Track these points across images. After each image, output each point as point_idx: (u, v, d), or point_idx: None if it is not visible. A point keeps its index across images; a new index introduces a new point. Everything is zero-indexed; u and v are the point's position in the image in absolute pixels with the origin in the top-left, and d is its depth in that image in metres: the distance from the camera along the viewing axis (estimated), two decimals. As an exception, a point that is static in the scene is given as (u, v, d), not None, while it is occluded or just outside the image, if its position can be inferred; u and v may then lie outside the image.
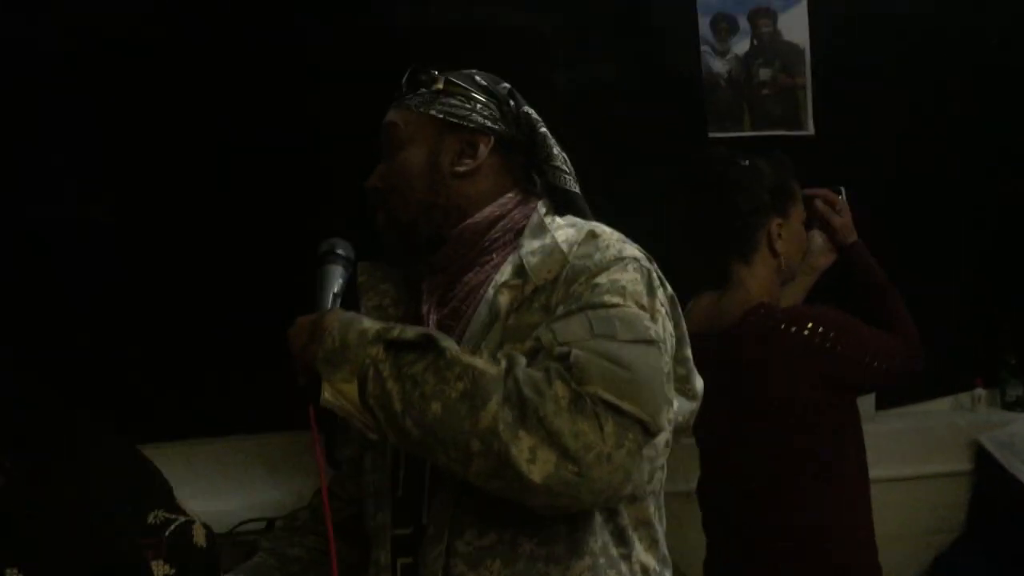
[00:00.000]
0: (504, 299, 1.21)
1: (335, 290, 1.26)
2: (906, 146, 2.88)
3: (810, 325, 1.78)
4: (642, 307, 1.14)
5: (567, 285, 1.18)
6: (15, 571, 0.68)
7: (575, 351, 1.05)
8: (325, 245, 1.31)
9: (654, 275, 1.21)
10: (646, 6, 2.77)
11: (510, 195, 1.33)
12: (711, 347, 1.88)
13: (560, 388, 1.02)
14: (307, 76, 2.44)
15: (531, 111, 1.38)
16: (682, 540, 2.39)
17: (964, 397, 3.09)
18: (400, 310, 1.34)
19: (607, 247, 1.21)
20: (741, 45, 2.84)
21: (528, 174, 1.39)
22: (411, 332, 1.11)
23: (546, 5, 2.63)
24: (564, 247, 1.23)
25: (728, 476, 1.94)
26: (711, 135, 2.80)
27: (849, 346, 1.80)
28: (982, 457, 2.87)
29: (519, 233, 1.29)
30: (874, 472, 1.95)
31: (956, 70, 2.90)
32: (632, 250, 1.22)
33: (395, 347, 1.09)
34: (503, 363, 1.07)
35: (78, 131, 2.39)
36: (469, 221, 1.30)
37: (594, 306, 1.12)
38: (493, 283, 1.24)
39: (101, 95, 2.39)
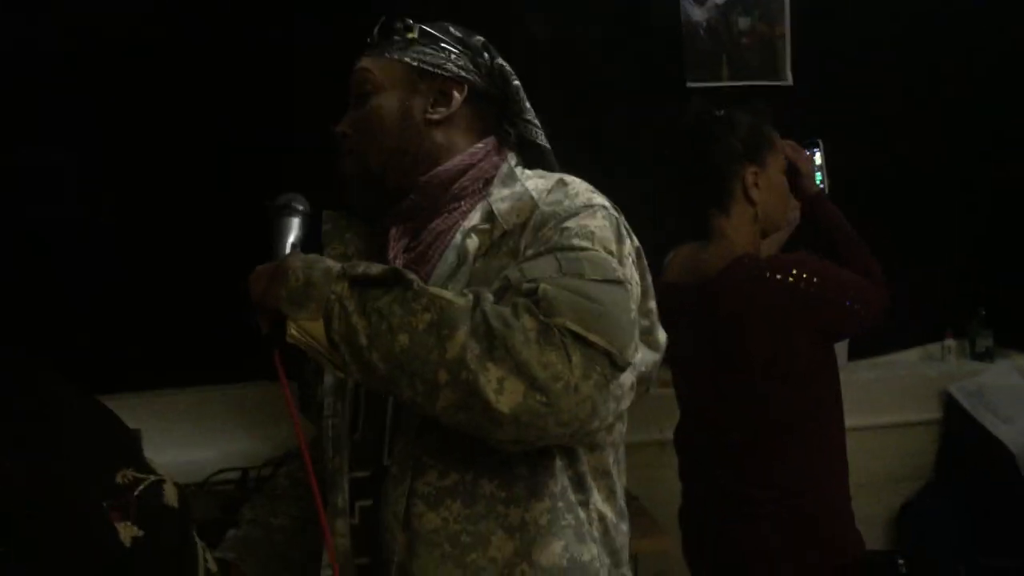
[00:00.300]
0: (472, 243, 1.21)
1: (292, 240, 1.24)
2: (884, 96, 2.88)
3: (794, 271, 1.78)
4: (610, 252, 1.14)
5: (536, 230, 1.18)
6: None
7: (543, 285, 1.05)
8: (282, 199, 1.27)
9: (622, 224, 1.22)
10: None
11: (480, 145, 1.31)
12: (691, 298, 1.88)
13: (528, 320, 1.02)
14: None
15: (505, 64, 1.36)
16: (655, 489, 2.44)
17: (934, 348, 3.14)
18: (364, 259, 1.33)
19: (576, 195, 1.21)
20: (720, -7, 2.81)
21: (500, 126, 1.37)
22: (376, 268, 1.10)
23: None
24: (534, 194, 1.23)
25: (707, 425, 1.95)
26: (689, 84, 2.78)
27: (833, 290, 1.81)
28: (951, 406, 2.93)
29: (488, 182, 1.29)
30: (846, 421, 1.97)
31: (936, 20, 2.89)
32: (601, 199, 1.23)
33: (360, 283, 1.08)
34: (470, 296, 1.07)
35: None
36: (439, 169, 1.29)
37: (563, 248, 1.12)
38: (461, 229, 1.24)
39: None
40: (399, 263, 1.26)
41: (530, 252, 1.15)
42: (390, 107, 1.29)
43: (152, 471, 0.81)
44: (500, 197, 1.24)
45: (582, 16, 2.69)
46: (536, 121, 1.37)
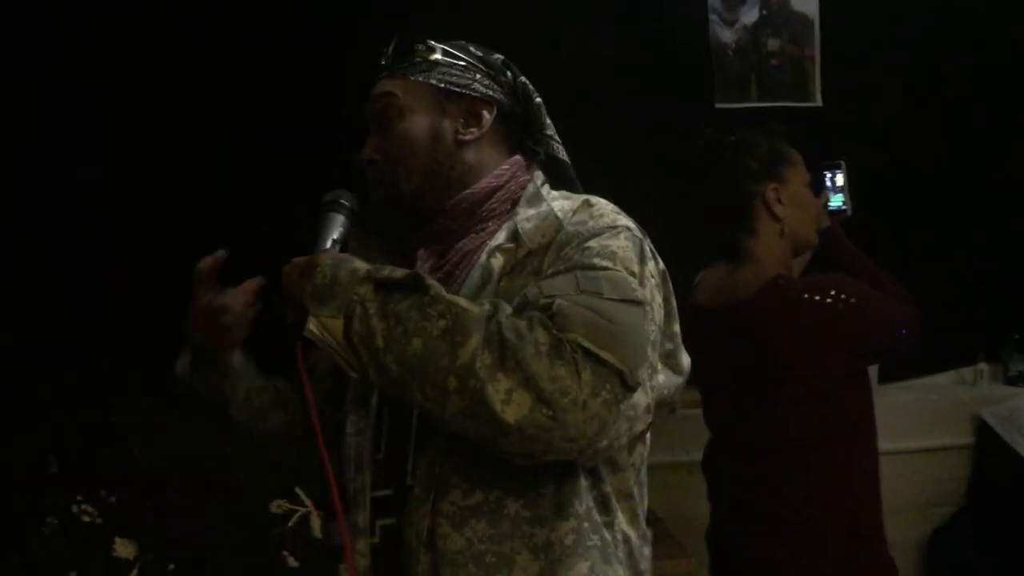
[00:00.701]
0: (497, 262, 1.21)
1: (335, 236, 1.27)
2: (914, 118, 2.86)
3: (833, 292, 1.78)
4: (631, 273, 1.14)
5: (559, 249, 1.18)
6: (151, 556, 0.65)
7: (559, 300, 1.06)
8: (330, 195, 1.30)
9: (646, 246, 1.22)
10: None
11: (506, 166, 1.31)
12: (723, 320, 1.87)
13: (541, 334, 1.03)
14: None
15: (527, 81, 1.36)
16: (682, 511, 2.42)
17: (967, 372, 3.10)
18: None
19: (601, 215, 1.21)
20: (750, 15, 2.82)
21: (524, 143, 1.37)
22: (400, 272, 1.12)
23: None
24: (559, 214, 1.24)
25: (738, 446, 1.94)
26: (718, 105, 2.79)
27: (870, 311, 1.80)
28: (983, 431, 2.88)
29: (515, 202, 1.29)
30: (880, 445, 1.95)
31: (968, 43, 2.87)
32: (626, 220, 1.23)
33: (384, 286, 1.09)
34: (487, 306, 1.08)
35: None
36: (468, 191, 1.28)
37: (583, 267, 1.12)
38: (487, 248, 1.25)
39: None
40: None
41: (551, 270, 1.15)
42: (420, 130, 1.28)
43: (302, 502, 0.80)
44: (526, 217, 1.25)
45: (612, 37, 2.70)
46: (556, 136, 1.37)
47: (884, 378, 2.93)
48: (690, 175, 1.97)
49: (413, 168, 1.28)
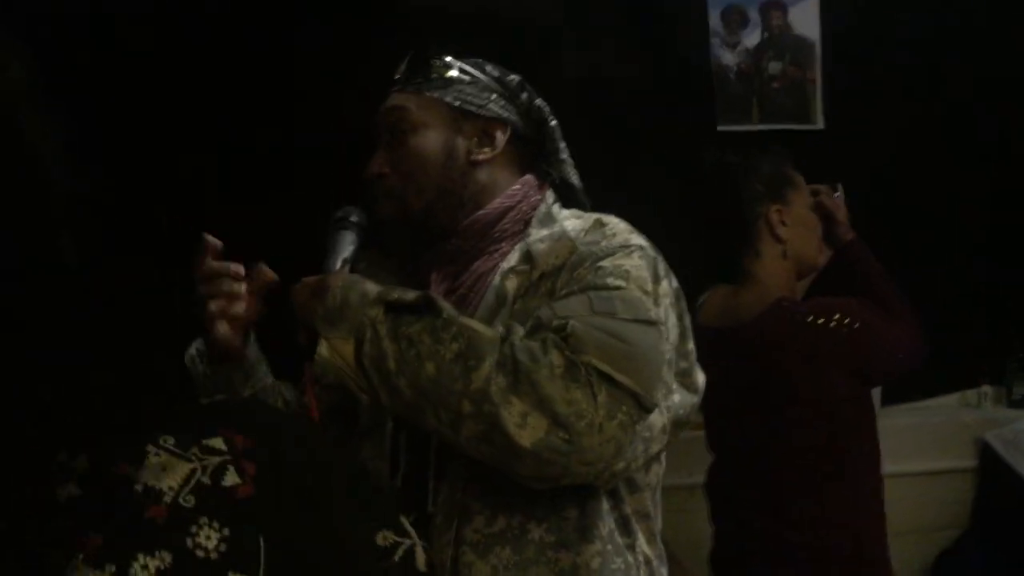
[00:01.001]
0: (511, 284, 1.21)
1: (345, 255, 1.25)
2: (917, 142, 2.87)
3: (837, 316, 1.78)
4: (645, 292, 1.14)
5: (572, 270, 1.17)
6: None
7: (572, 322, 1.06)
8: (340, 212, 1.28)
9: (660, 265, 1.21)
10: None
11: (518, 186, 1.30)
12: (728, 341, 1.87)
13: (555, 356, 1.02)
14: (307, 76, 2.44)
15: (543, 104, 1.35)
16: (686, 532, 2.40)
17: (971, 394, 3.09)
18: None
19: (614, 235, 1.21)
20: (751, 38, 2.83)
21: (537, 164, 1.37)
22: (411, 294, 1.10)
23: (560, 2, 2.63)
24: (572, 234, 1.22)
25: (741, 468, 1.93)
26: (720, 128, 2.80)
27: (873, 335, 1.80)
28: (987, 454, 2.87)
29: (527, 223, 1.28)
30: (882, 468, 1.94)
31: (970, 65, 2.88)
32: (639, 239, 1.22)
33: (395, 309, 1.09)
34: (500, 329, 1.08)
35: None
36: (481, 212, 1.27)
37: (596, 287, 1.12)
38: (500, 270, 1.24)
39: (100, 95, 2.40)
40: None
41: (564, 291, 1.15)
42: (433, 147, 1.27)
43: (407, 533, 0.76)
44: (539, 238, 1.24)
45: (614, 59, 2.71)
46: (571, 160, 1.37)
47: (888, 400, 2.93)
48: (694, 196, 1.98)
49: (424, 185, 1.26)
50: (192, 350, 1.26)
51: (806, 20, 2.86)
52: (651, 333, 1.10)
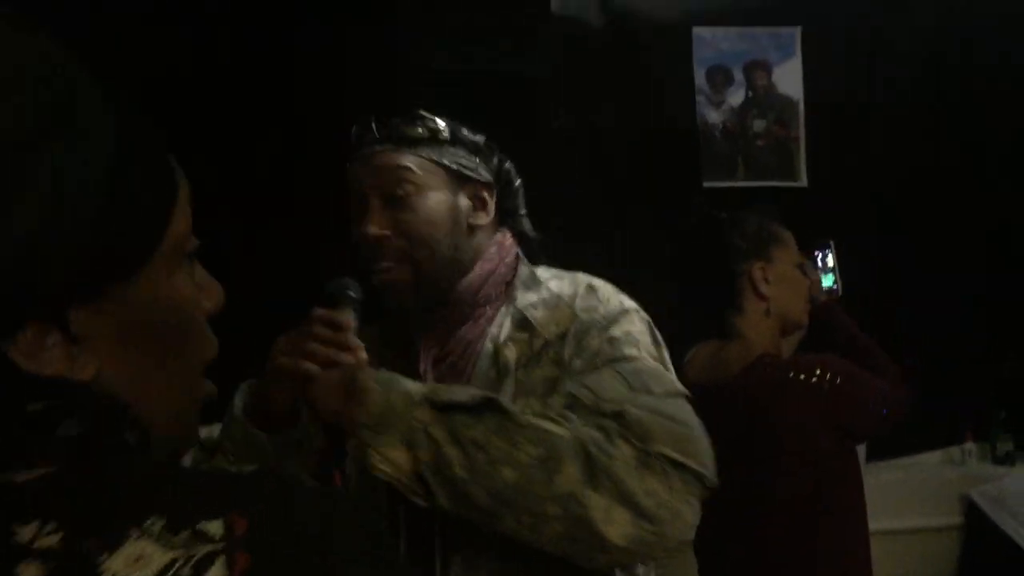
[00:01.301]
0: (511, 354, 1.19)
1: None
2: (898, 197, 2.91)
3: (818, 372, 1.78)
4: (654, 358, 1.16)
5: (578, 339, 1.17)
6: None
7: (628, 408, 1.07)
8: (333, 286, 1.17)
9: (653, 328, 1.23)
10: (644, 56, 2.81)
11: (493, 248, 1.27)
12: (713, 397, 1.87)
13: (625, 448, 1.04)
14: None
15: (511, 166, 1.34)
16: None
17: (955, 451, 3.09)
18: (379, 367, 1.22)
19: (608, 299, 1.21)
20: (736, 96, 2.89)
21: (504, 222, 1.35)
22: (464, 394, 1.06)
23: (545, 53, 2.67)
24: (567, 300, 1.22)
25: (728, 524, 1.92)
26: (705, 184, 2.83)
27: (857, 392, 1.80)
28: (972, 511, 2.87)
29: (509, 284, 1.27)
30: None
31: (949, 125, 2.94)
32: (629, 302, 1.24)
33: (446, 409, 1.04)
34: (567, 424, 1.05)
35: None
36: (467, 278, 1.24)
37: (616, 359, 1.14)
38: (491, 337, 1.21)
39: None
40: (431, 376, 1.23)
41: (579, 363, 1.15)
42: (443, 212, 1.22)
43: None
44: (530, 303, 1.24)
45: (601, 115, 2.75)
46: (527, 215, 1.38)
47: (872, 456, 2.93)
48: (680, 251, 2.00)
49: (437, 252, 1.21)
50: (236, 410, 1.14)
51: (790, 80, 2.92)
52: (687, 406, 1.13)
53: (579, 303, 1.22)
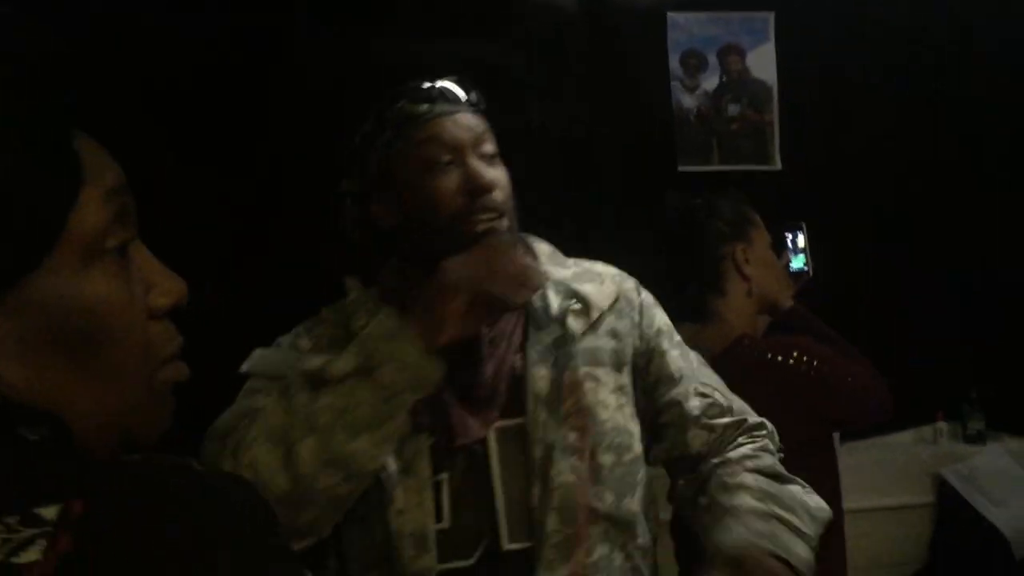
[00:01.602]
0: (577, 324, 1.24)
1: None
2: (872, 182, 2.94)
3: (795, 354, 1.80)
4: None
5: (630, 316, 1.31)
6: None
7: (751, 415, 1.41)
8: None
9: None
10: (618, 42, 2.81)
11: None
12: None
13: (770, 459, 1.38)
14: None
15: None
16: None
17: (926, 430, 3.13)
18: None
19: (626, 280, 1.36)
20: (710, 81, 2.90)
21: None
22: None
23: (519, 41, 2.67)
24: (604, 275, 1.32)
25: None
26: (680, 168, 2.84)
27: (832, 376, 1.82)
28: (944, 490, 2.91)
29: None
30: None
31: (921, 109, 2.96)
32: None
33: None
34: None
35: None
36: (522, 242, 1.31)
37: (675, 341, 1.38)
38: (537, 306, 1.25)
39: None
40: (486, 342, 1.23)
41: (651, 334, 1.34)
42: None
43: None
44: (572, 276, 1.30)
45: (576, 102, 2.76)
46: None
47: (845, 437, 2.97)
48: (658, 238, 2.01)
49: (514, 212, 1.25)
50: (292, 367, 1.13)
51: (763, 64, 2.93)
52: None
53: (621, 281, 1.34)
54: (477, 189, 1.19)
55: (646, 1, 2.82)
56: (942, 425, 3.09)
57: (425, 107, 1.22)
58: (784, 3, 2.91)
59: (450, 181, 1.19)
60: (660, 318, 1.35)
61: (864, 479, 2.83)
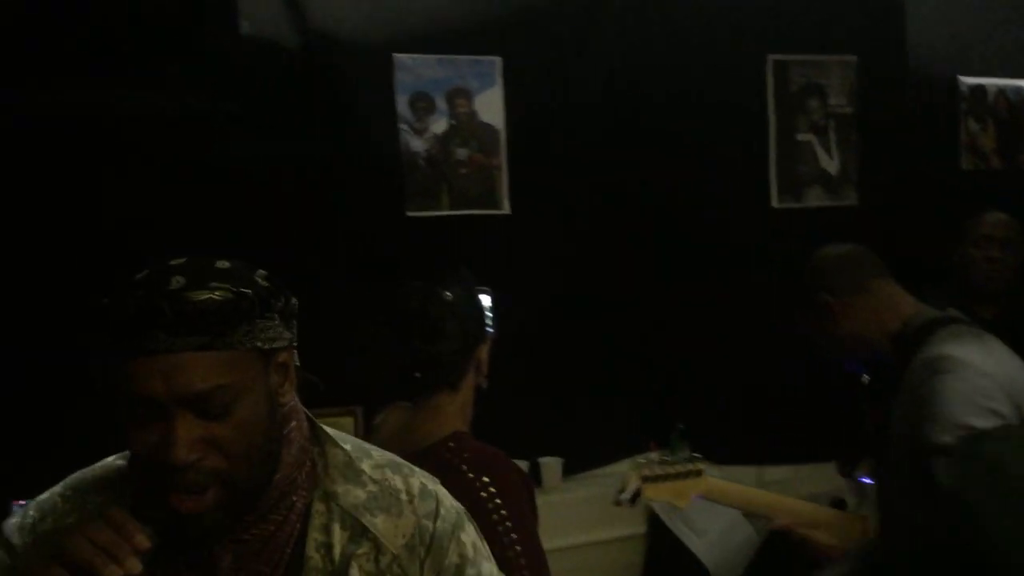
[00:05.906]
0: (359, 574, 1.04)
1: None
2: (599, 225, 3.06)
3: (485, 479, 1.70)
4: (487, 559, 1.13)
5: (431, 554, 1.07)
6: None
7: None
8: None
9: None
10: (346, 84, 2.76)
11: (293, 424, 1.06)
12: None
13: None
14: None
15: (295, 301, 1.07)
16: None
17: (641, 459, 3.30)
18: None
19: (443, 498, 1.12)
20: (439, 124, 2.91)
21: None
22: None
23: (239, 86, 2.55)
24: (405, 499, 1.08)
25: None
26: (409, 214, 2.83)
27: (513, 528, 1.61)
28: (654, 520, 3.07)
29: (312, 464, 1.07)
30: (562, 541, 1.96)
31: (647, 152, 3.12)
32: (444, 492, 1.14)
33: None
34: None
35: None
36: (281, 472, 1.03)
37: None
38: (315, 544, 1.04)
39: None
40: None
41: None
42: (259, 415, 0.99)
43: None
44: (361, 504, 1.07)
45: (301, 143, 2.66)
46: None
47: (568, 471, 3.09)
48: (391, 328, 1.86)
49: (255, 462, 0.99)
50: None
51: (491, 108, 2.98)
52: None
53: (419, 506, 1.08)
54: (161, 470, 0.95)
55: (372, 41, 2.78)
56: (653, 454, 3.27)
57: (133, 335, 0.94)
58: (510, 49, 2.97)
59: (158, 452, 0.95)
60: (454, 551, 1.08)
61: (584, 514, 2.94)
